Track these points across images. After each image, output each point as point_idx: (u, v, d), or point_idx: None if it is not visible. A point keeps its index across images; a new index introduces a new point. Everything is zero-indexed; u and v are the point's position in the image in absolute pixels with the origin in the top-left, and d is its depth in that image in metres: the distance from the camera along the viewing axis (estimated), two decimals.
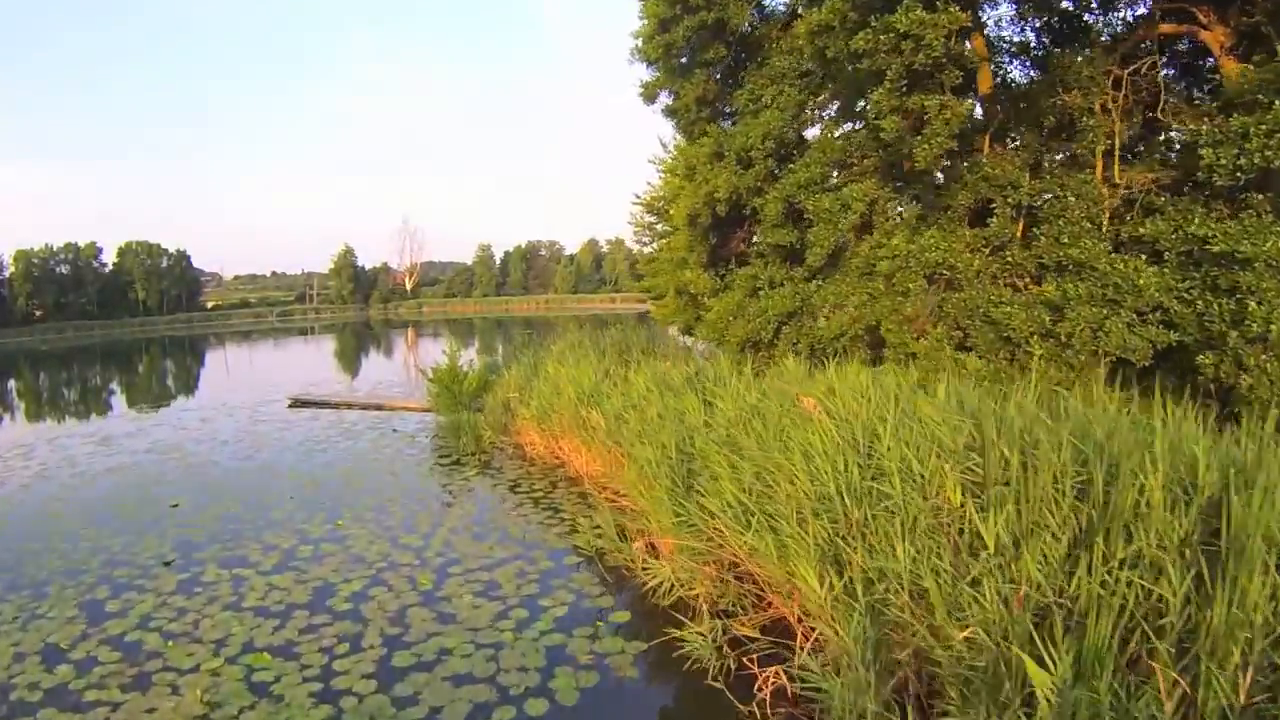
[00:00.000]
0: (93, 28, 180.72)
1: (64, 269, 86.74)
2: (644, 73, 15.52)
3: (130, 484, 14.12)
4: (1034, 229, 10.86)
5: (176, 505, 12.58)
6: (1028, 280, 11.10)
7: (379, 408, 21.79)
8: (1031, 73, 11.86)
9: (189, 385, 35.07)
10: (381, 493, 12.78)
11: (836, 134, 13.30)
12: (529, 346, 23.34)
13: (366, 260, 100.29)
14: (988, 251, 10.84)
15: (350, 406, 22.22)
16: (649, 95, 16.39)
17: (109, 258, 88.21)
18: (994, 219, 10.77)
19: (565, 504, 11.77)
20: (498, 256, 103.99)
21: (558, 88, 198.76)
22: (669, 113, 16.00)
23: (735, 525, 6.98)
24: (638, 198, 20.97)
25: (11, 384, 39.53)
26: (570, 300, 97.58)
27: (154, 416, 23.15)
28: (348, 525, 11.12)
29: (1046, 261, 10.51)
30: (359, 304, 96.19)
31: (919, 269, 10.17)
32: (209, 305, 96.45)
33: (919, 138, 9.61)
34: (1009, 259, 10.70)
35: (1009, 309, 9.93)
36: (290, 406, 23.17)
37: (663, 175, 20.81)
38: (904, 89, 9.51)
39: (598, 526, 9.95)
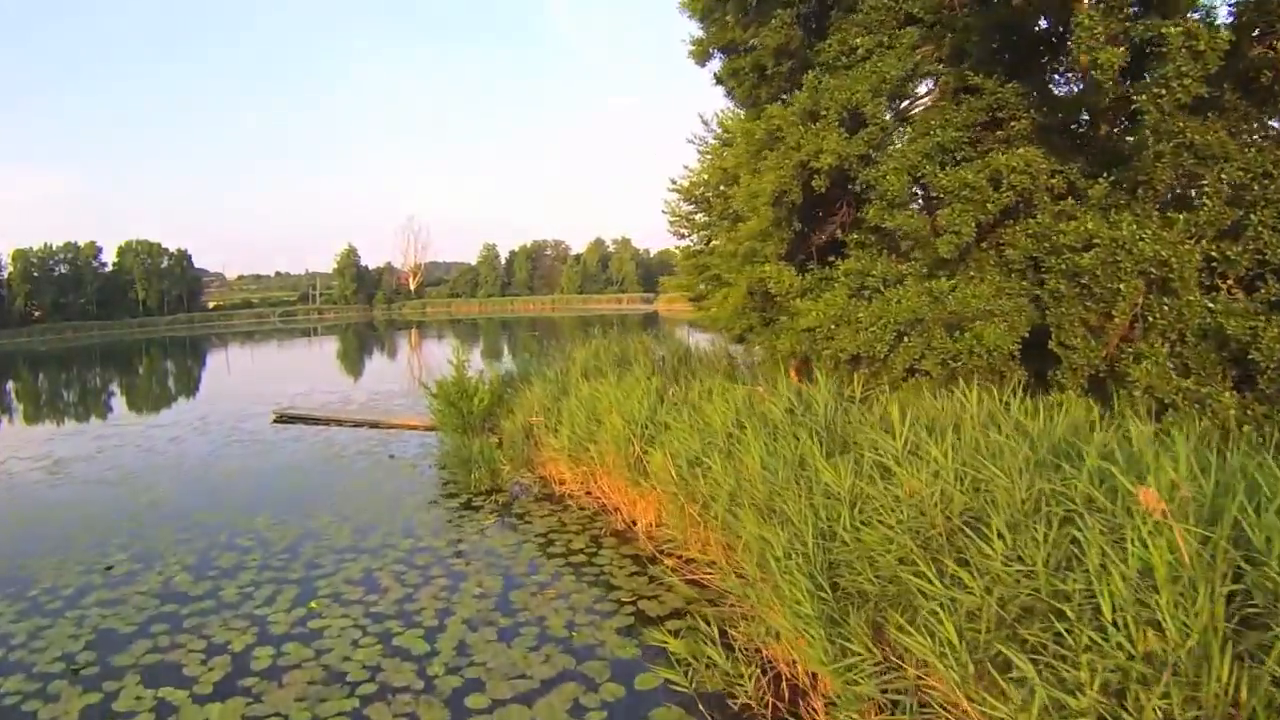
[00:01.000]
0: (96, 29, 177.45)
1: (63, 269, 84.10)
2: (672, 41, 12.38)
3: (63, 532, 11.01)
4: (1249, 216, 7.75)
5: (110, 568, 9.51)
6: (1231, 283, 8.04)
7: (374, 425, 18.66)
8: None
9: (174, 393, 31.91)
10: (373, 554, 9.67)
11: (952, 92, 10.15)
12: (545, 354, 20.32)
13: (370, 260, 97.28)
14: (1193, 243, 7.73)
15: (341, 423, 19.09)
16: (700, 55, 13.31)
17: (109, 257, 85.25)
18: (1204, 201, 7.67)
19: (618, 573, 8.66)
20: (503, 256, 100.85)
21: (563, 87, 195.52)
22: (728, 75, 12.89)
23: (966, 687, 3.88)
24: (674, 183, 17.73)
25: None
26: (576, 300, 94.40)
27: (123, 432, 20.02)
28: (324, 609, 8.02)
29: (1271, 259, 7.45)
30: (362, 304, 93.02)
31: (1132, 264, 7.06)
32: (210, 305, 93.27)
33: (1140, 83, 6.50)
34: (1226, 253, 7.59)
35: (1255, 323, 6.83)
36: (275, 422, 20.06)
37: (705, 156, 17.66)
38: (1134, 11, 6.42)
39: (680, 620, 6.89)
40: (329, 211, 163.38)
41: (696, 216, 18.32)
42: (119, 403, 29.48)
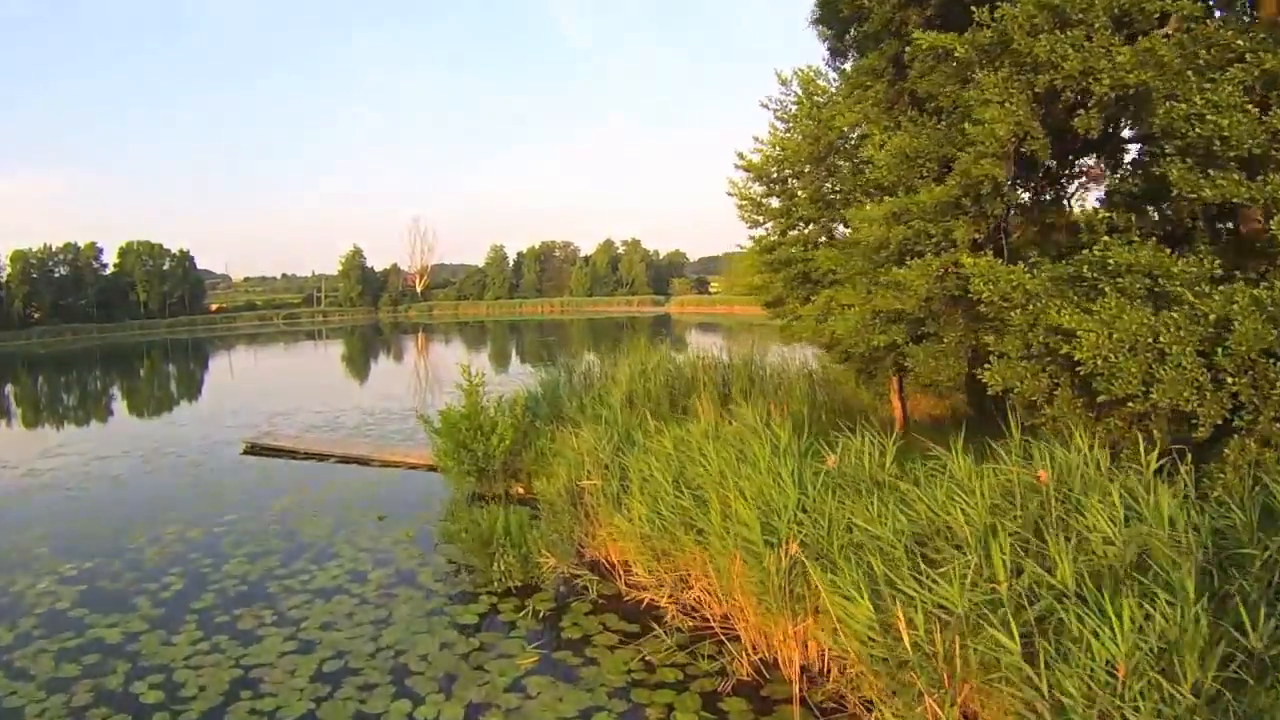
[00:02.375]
0: (101, 31, 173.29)
1: (63, 270, 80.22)
2: None
3: None
4: None
5: None
6: None
7: (363, 462, 14.42)
8: None
9: (148, 409, 27.58)
10: None
11: None
12: (571, 366, 16.10)
13: (377, 263, 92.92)
14: None
15: (323, 458, 14.85)
16: None
17: (110, 258, 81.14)
18: None
19: None
20: (510, 258, 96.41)
21: (568, 87, 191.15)
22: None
23: None
24: (741, 159, 13.50)
25: None
26: (586, 303, 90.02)
27: (62, 465, 15.78)
28: None
29: None
30: (368, 306, 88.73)
31: None
32: (213, 308, 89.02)
33: None
34: None
35: None
36: (245, 454, 15.87)
37: (783, 128, 13.48)
38: None
39: None
40: (335, 214, 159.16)
41: (770, 201, 14.10)
42: (77, 421, 25.22)
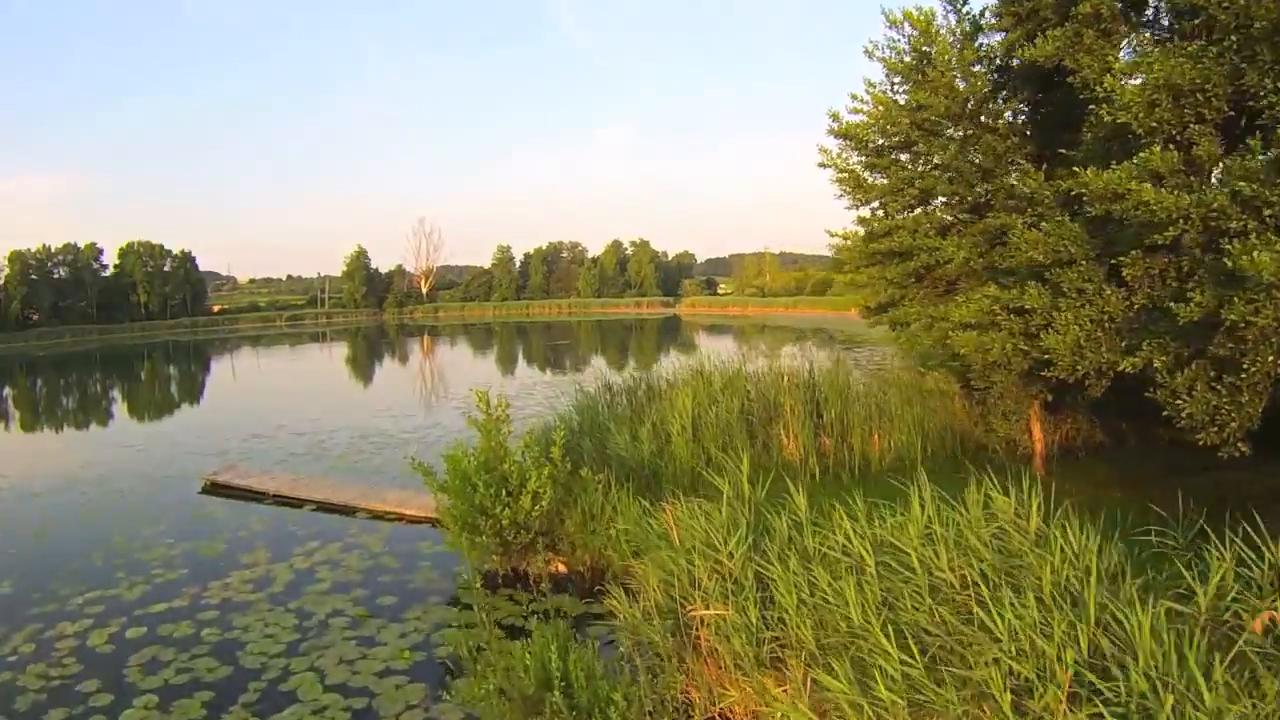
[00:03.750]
0: (107, 36, 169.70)
1: (62, 271, 76.91)
2: None
3: None
4: None
5: None
6: None
7: (346, 510, 10.94)
8: None
9: (111, 427, 23.98)
10: None
11: None
12: (607, 382, 12.61)
13: (382, 264, 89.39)
14: None
15: (297, 504, 11.37)
16: None
17: (110, 259, 77.74)
18: None
19: None
20: (517, 259, 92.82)
21: (574, 88, 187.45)
22: None
23: None
24: (836, 122, 10.02)
25: None
26: (594, 304, 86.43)
27: None
28: None
29: None
30: (372, 308, 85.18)
31: None
32: (215, 309, 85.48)
33: None
34: None
35: None
36: (204, 492, 12.43)
37: (896, 81, 10.02)
38: None
39: None
40: (341, 215, 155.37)
41: (876, 178, 10.60)
42: (33, 437, 21.71)
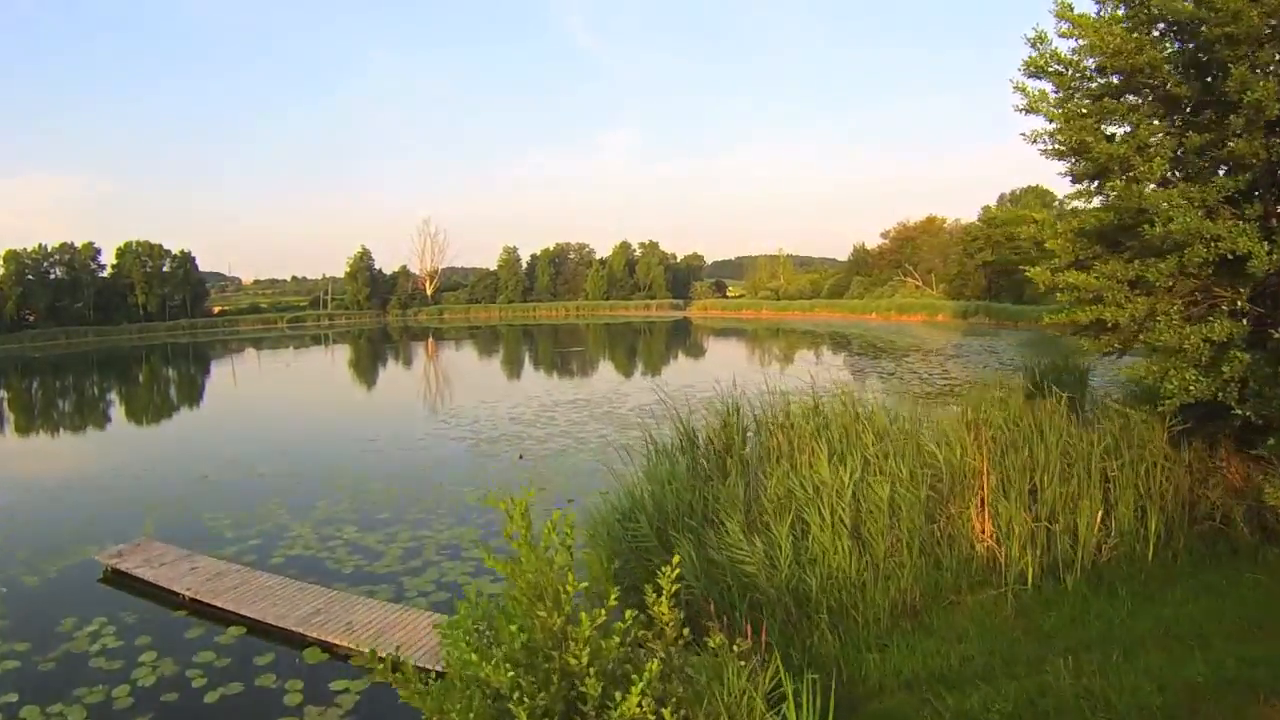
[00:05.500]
0: (113, 35, 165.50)
1: (58, 271, 73.03)
2: None
3: None
4: None
5: None
6: None
7: (291, 639, 6.98)
8: None
9: (62, 450, 19.97)
10: None
11: None
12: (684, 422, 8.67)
13: (387, 265, 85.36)
14: None
15: (220, 615, 7.39)
16: None
17: (108, 259, 73.80)
18: None
19: None
20: (524, 260, 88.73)
21: (580, 91, 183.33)
22: None
23: None
24: (1036, 53, 5.72)
25: None
26: (602, 307, 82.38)
27: None
28: None
29: None
30: (376, 309, 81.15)
31: None
32: (215, 311, 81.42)
33: None
34: None
35: None
36: (104, 581, 8.49)
37: None
38: None
39: None
40: (348, 216, 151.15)
41: (1113, 128, 6.65)
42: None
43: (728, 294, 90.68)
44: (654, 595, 4.21)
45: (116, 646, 7.19)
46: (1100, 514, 7.06)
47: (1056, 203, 62.00)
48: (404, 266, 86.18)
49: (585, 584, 3.94)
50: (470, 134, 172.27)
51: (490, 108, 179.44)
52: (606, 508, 7.00)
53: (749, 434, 7.97)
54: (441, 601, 7.92)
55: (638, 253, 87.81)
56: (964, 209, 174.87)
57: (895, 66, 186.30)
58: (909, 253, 64.45)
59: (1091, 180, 7.62)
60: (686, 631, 4.30)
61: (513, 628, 3.78)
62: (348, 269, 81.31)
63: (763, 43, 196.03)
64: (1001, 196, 68.09)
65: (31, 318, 70.20)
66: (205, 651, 6.93)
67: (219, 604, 7.60)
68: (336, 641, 6.78)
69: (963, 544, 6.80)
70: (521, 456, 14.76)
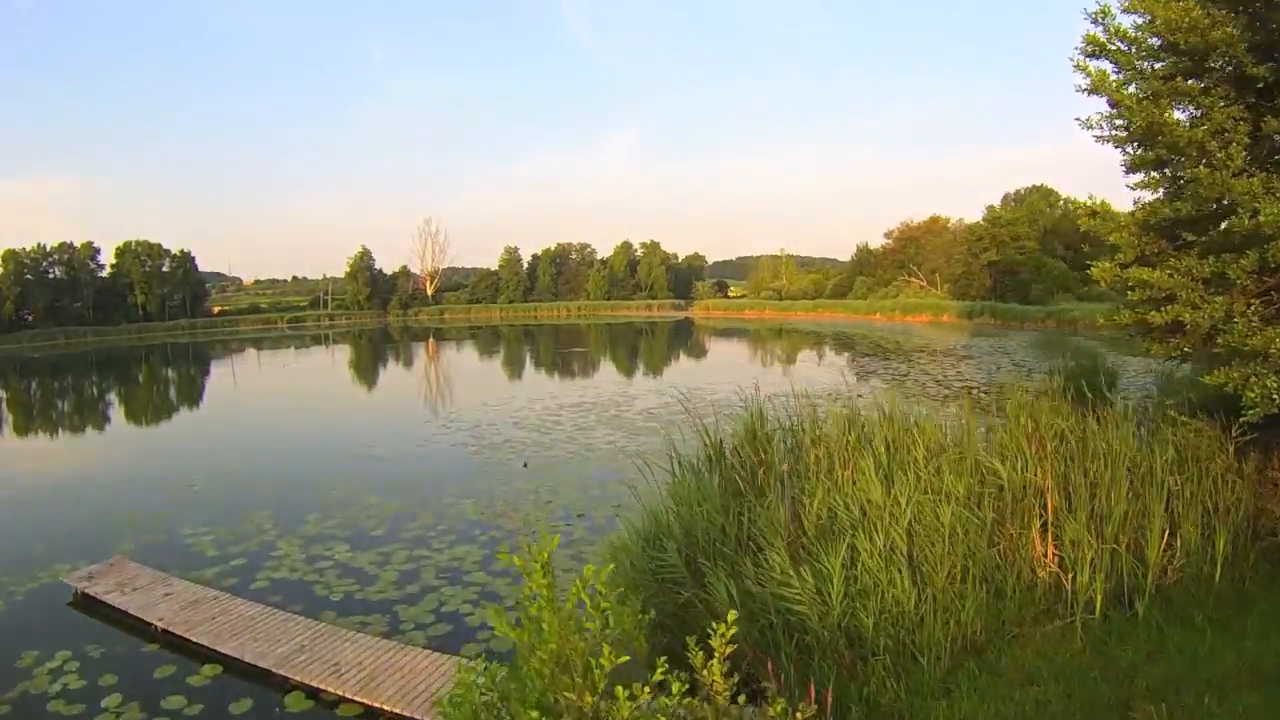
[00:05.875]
0: (113, 35, 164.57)
1: (57, 271, 72.35)
2: None
3: None
4: None
5: None
6: None
7: (270, 680, 6.25)
8: None
9: (48, 456, 19.22)
10: None
11: None
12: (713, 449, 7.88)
13: (387, 265, 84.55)
14: None
15: (194, 650, 6.62)
16: None
17: (107, 259, 73.08)
18: None
19: None
20: (525, 260, 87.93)
21: (582, 91, 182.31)
22: None
23: None
24: (1103, 24, 4.88)
25: None
26: (604, 307, 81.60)
27: None
28: None
29: None
30: (376, 309, 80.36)
31: None
32: (215, 311, 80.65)
33: None
34: None
35: None
36: (75, 605, 7.73)
37: None
38: None
39: None
40: (347, 216, 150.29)
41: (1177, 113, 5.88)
42: None
43: (729, 294, 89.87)
44: (702, 655, 3.44)
45: (79, 688, 6.42)
46: (1165, 533, 6.31)
47: (1062, 201, 61.33)
48: (405, 266, 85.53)
49: (626, 657, 3.15)
50: (471, 133, 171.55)
51: (491, 107, 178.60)
52: (627, 531, 6.22)
53: (781, 445, 7.18)
54: (440, 636, 7.14)
55: (639, 253, 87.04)
56: (966, 209, 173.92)
57: (895, 67, 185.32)
58: (913, 253, 63.68)
59: (1157, 168, 6.86)
60: (742, 699, 3.53)
61: (533, 714, 3.01)
62: (348, 269, 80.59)
63: (763, 42, 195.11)
64: (1006, 196, 67.25)
65: (30, 318, 69.62)
66: (175, 696, 6.16)
67: (193, 638, 6.82)
68: (322, 686, 6.00)
69: (1024, 569, 6.04)
70: (526, 464, 13.98)
